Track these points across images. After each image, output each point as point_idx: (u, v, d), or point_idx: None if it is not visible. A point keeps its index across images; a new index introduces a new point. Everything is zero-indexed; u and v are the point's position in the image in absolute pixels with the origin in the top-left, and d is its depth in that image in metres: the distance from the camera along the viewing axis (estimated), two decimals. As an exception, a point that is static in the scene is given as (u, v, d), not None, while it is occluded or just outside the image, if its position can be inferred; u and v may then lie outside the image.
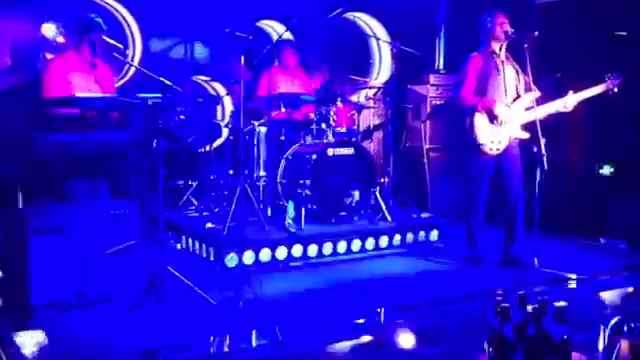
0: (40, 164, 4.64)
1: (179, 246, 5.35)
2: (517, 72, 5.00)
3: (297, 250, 5.04)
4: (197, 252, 5.12)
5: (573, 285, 4.57)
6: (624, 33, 6.31)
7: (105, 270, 4.41)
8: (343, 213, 5.54)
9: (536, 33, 4.79)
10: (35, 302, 3.75)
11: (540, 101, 4.86)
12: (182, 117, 5.90)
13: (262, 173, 5.77)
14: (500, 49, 4.96)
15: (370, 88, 6.56)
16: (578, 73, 6.24)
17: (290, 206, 5.38)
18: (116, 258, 4.84)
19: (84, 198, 4.46)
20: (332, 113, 5.76)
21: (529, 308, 2.82)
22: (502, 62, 4.96)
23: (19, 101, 5.74)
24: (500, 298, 3.04)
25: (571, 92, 4.89)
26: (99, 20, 4.94)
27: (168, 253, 4.32)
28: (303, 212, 5.33)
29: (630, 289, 4.49)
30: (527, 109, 4.89)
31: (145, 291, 4.06)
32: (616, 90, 4.85)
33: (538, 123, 4.57)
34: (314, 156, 5.52)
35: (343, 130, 5.85)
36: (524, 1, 6.84)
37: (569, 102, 4.88)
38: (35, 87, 5.56)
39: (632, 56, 5.83)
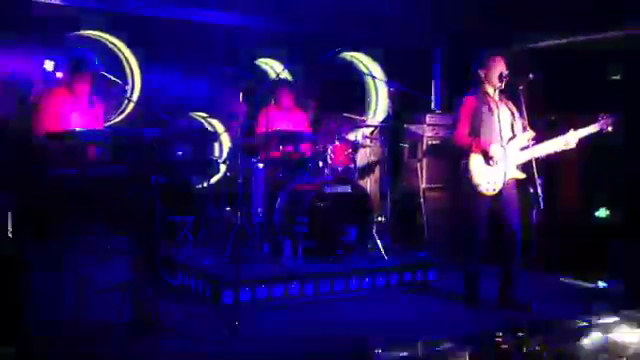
0: (37, 198, 4.63)
1: (175, 282, 5.31)
2: (512, 113, 5.05)
3: (294, 287, 5.01)
4: (193, 288, 5.09)
5: (571, 328, 4.54)
6: (618, 77, 6.42)
7: (99, 305, 4.38)
8: (340, 251, 5.53)
9: (531, 76, 4.85)
10: (28, 339, 3.71)
11: (535, 142, 4.90)
12: (180, 153, 5.95)
13: (259, 210, 5.77)
14: (495, 91, 5.03)
15: (367, 127, 6.62)
16: (572, 115, 6.33)
17: (287, 243, 5.37)
18: (111, 293, 4.81)
19: (80, 233, 4.45)
20: (329, 151, 5.80)
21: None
22: (496, 103, 5.01)
23: (9, 135, 5.76)
24: (499, 340, 3.04)
25: (572, 130, 4.93)
26: (91, 58, 4.97)
27: (163, 289, 4.28)
28: (300, 249, 5.33)
29: (630, 332, 4.47)
30: (523, 149, 4.92)
31: (140, 327, 4.01)
32: (610, 129, 4.89)
33: (534, 163, 4.61)
34: (311, 194, 5.53)
35: (340, 168, 5.88)
36: (518, 44, 6.97)
37: (570, 140, 4.91)
38: (23, 121, 5.59)
39: (627, 100, 5.93)
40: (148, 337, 4.00)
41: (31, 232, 4.31)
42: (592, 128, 4.91)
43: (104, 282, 4.91)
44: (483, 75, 4.99)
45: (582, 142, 4.94)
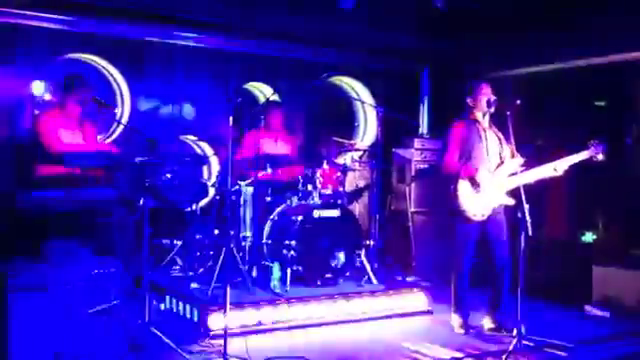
0: (22, 220, 4.60)
1: (162, 306, 5.26)
2: (500, 140, 5.09)
3: (282, 311, 4.98)
4: (181, 312, 5.05)
5: (559, 353, 4.55)
6: (603, 103, 6.52)
7: (86, 330, 4.33)
8: (328, 275, 5.52)
9: (518, 101, 4.90)
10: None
11: (525, 168, 4.93)
12: (169, 176, 5.94)
13: (248, 233, 5.74)
14: (483, 117, 5.07)
15: (356, 151, 6.65)
16: (559, 141, 6.41)
17: (275, 267, 5.35)
18: (98, 318, 4.76)
19: (66, 256, 4.41)
20: (318, 175, 5.81)
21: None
22: (485, 130, 5.05)
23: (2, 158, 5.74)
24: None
25: (562, 158, 4.96)
26: (82, 78, 5.00)
27: (151, 313, 4.25)
28: (288, 273, 5.31)
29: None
30: (511, 175, 4.95)
31: (127, 352, 3.98)
32: (600, 157, 4.92)
33: (522, 189, 4.65)
34: (300, 217, 5.53)
35: (329, 192, 5.88)
36: (505, 69, 7.06)
37: (559, 166, 4.94)
38: (20, 144, 5.57)
39: (611, 125, 6.03)
40: (135, 362, 3.97)
41: (17, 253, 4.27)
42: (582, 155, 4.94)
43: (91, 305, 4.86)
44: (471, 102, 5.04)
45: (570, 168, 4.99)
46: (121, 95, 6.58)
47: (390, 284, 5.70)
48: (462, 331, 5.02)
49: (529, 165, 4.99)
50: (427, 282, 5.91)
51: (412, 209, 6.86)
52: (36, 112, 5.74)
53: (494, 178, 4.93)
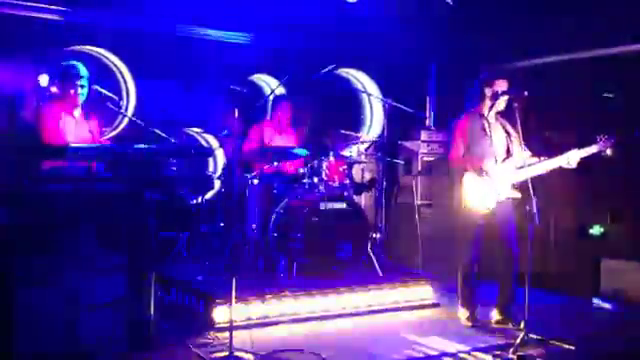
0: (28, 214, 4.59)
1: (168, 298, 5.26)
2: (508, 134, 5.04)
3: (288, 304, 4.97)
4: (187, 305, 5.04)
5: (566, 346, 4.52)
6: (611, 95, 6.45)
7: (92, 323, 4.33)
8: (334, 267, 5.50)
9: (526, 93, 4.84)
10: (18, 357, 3.65)
11: (532, 161, 4.89)
12: (174, 169, 5.92)
13: (253, 226, 5.74)
14: (489, 110, 5.01)
15: (362, 143, 6.63)
16: (565, 132, 6.36)
17: (281, 259, 5.34)
18: (103, 311, 4.76)
19: (72, 249, 4.41)
20: (324, 167, 5.79)
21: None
22: (491, 123, 5.00)
23: (5, 150, 5.73)
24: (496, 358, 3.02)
25: (575, 149, 4.91)
26: (79, 67, 4.96)
27: (157, 306, 4.24)
28: (294, 266, 5.30)
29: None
30: (519, 168, 4.90)
31: (132, 345, 3.97)
32: (609, 152, 4.90)
33: (530, 181, 4.61)
34: (306, 210, 5.51)
35: (335, 184, 5.86)
36: (513, 61, 7.00)
37: (572, 158, 4.88)
38: (22, 136, 5.56)
39: (619, 117, 5.97)
40: (141, 354, 3.96)
41: (22, 247, 4.26)
42: (592, 149, 4.88)
43: (97, 298, 4.86)
44: (479, 94, 4.99)
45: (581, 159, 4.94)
46: (126, 87, 6.57)
47: (396, 277, 5.69)
48: (469, 324, 5.00)
49: (538, 157, 4.95)
50: (433, 274, 5.89)
51: (418, 201, 6.83)
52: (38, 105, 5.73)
53: (501, 171, 4.89)
